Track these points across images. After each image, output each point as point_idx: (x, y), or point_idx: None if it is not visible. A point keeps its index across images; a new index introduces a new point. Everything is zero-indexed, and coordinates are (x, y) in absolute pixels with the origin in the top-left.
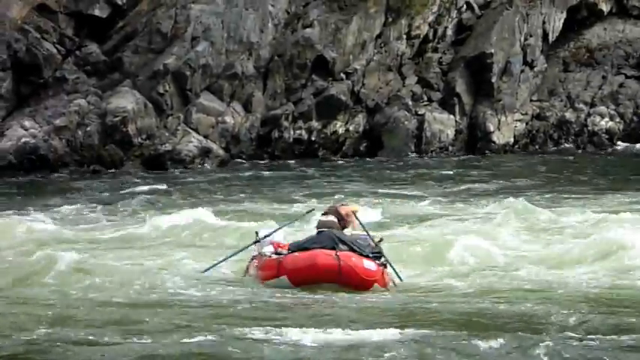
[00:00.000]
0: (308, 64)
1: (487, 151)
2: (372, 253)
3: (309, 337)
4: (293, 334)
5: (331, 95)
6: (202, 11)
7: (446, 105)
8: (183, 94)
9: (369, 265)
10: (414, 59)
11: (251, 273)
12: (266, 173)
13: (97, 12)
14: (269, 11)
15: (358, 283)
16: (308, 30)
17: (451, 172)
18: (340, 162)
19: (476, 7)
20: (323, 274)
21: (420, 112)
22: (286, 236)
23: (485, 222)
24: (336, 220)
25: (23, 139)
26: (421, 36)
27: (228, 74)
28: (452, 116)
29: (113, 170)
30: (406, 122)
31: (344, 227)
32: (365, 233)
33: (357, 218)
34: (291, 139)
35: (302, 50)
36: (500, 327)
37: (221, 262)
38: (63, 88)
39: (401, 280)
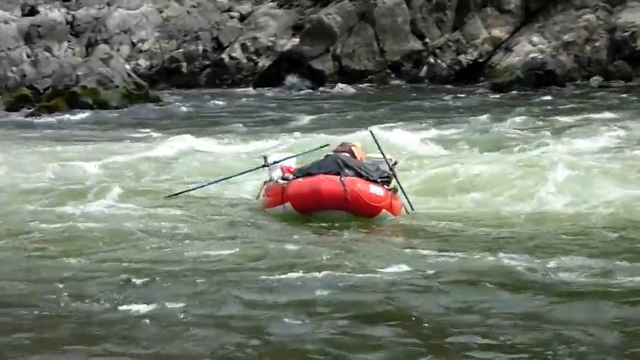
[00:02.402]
0: None
1: None
2: (381, 177)
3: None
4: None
5: None
6: None
7: None
8: None
9: (376, 190)
10: None
11: (261, 196)
12: None
13: None
14: None
15: (364, 209)
16: None
17: None
18: None
19: None
20: (327, 200)
21: None
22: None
23: None
24: (348, 155)
25: (531, 55)
26: None
27: None
28: None
29: (621, 84)
30: None
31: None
32: (380, 157)
33: (375, 140)
34: None
35: None
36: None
37: (218, 181)
38: (572, 3)
39: (412, 209)
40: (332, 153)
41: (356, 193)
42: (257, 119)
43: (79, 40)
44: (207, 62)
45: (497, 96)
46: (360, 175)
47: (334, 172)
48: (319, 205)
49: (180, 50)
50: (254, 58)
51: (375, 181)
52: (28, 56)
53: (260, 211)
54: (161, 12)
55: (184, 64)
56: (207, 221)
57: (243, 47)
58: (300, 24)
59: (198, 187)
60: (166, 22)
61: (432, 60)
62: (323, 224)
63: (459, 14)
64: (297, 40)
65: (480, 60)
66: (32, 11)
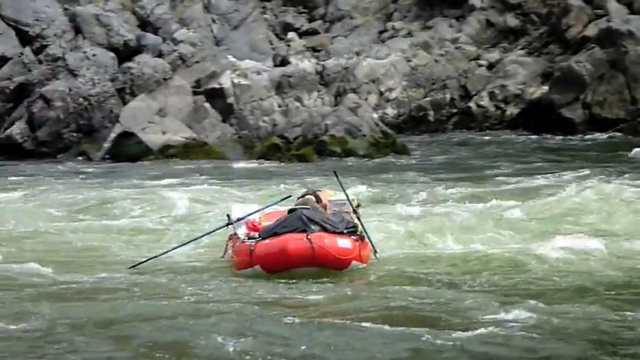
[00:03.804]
0: None
1: None
2: (347, 228)
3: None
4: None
5: None
6: None
7: None
8: None
9: (344, 243)
10: None
11: (228, 253)
12: None
13: None
14: None
15: (334, 264)
16: None
17: None
18: None
19: None
20: (296, 260)
21: None
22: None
23: None
24: (314, 199)
25: None
26: None
27: None
28: None
29: None
30: None
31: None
32: (343, 198)
33: (338, 180)
34: None
35: None
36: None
37: (184, 245)
38: None
39: (375, 251)
40: (297, 207)
41: (324, 249)
42: (481, 169)
43: (328, 89)
44: (455, 110)
45: None
46: (325, 230)
47: (300, 229)
48: (288, 265)
49: (428, 99)
50: (502, 106)
51: (341, 233)
52: (279, 106)
53: (228, 270)
54: (409, 61)
55: (431, 112)
56: (180, 288)
57: (491, 95)
58: (550, 72)
59: (164, 253)
60: (414, 71)
61: None
62: (292, 281)
63: None
64: (546, 87)
65: None
66: (283, 62)
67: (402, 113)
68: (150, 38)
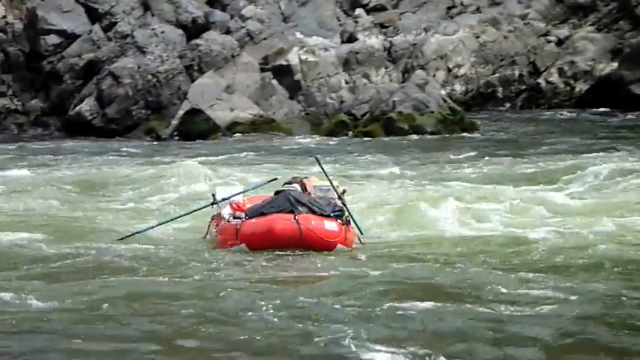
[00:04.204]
0: None
1: None
2: (334, 212)
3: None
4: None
5: None
6: None
7: None
8: None
9: (331, 225)
10: None
11: (212, 233)
12: None
13: None
14: None
15: (320, 245)
16: None
17: None
18: None
19: None
20: (282, 240)
21: None
22: (246, 196)
23: None
24: (299, 188)
25: None
26: None
27: None
28: None
29: None
30: None
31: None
32: (328, 184)
33: (321, 167)
34: None
35: None
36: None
37: (168, 221)
38: None
39: (361, 233)
40: (284, 188)
41: (311, 230)
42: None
43: (395, 66)
44: (523, 87)
45: None
46: (313, 212)
47: (287, 210)
48: (274, 244)
49: (496, 75)
50: (571, 82)
51: (328, 216)
52: (347, 82)
53: (212, 249)
54: (477, 37)
55: (500, 88)
56: (162, 264)
57: (560, 72)
58: (619, 48)
59: (148, 229)
60: (482, 47)
61: None
62: (278, 254)
63: None
64: (615, 64)
65: None
66: (351, 38)
67: (470, 90)
68: (218, 15)
